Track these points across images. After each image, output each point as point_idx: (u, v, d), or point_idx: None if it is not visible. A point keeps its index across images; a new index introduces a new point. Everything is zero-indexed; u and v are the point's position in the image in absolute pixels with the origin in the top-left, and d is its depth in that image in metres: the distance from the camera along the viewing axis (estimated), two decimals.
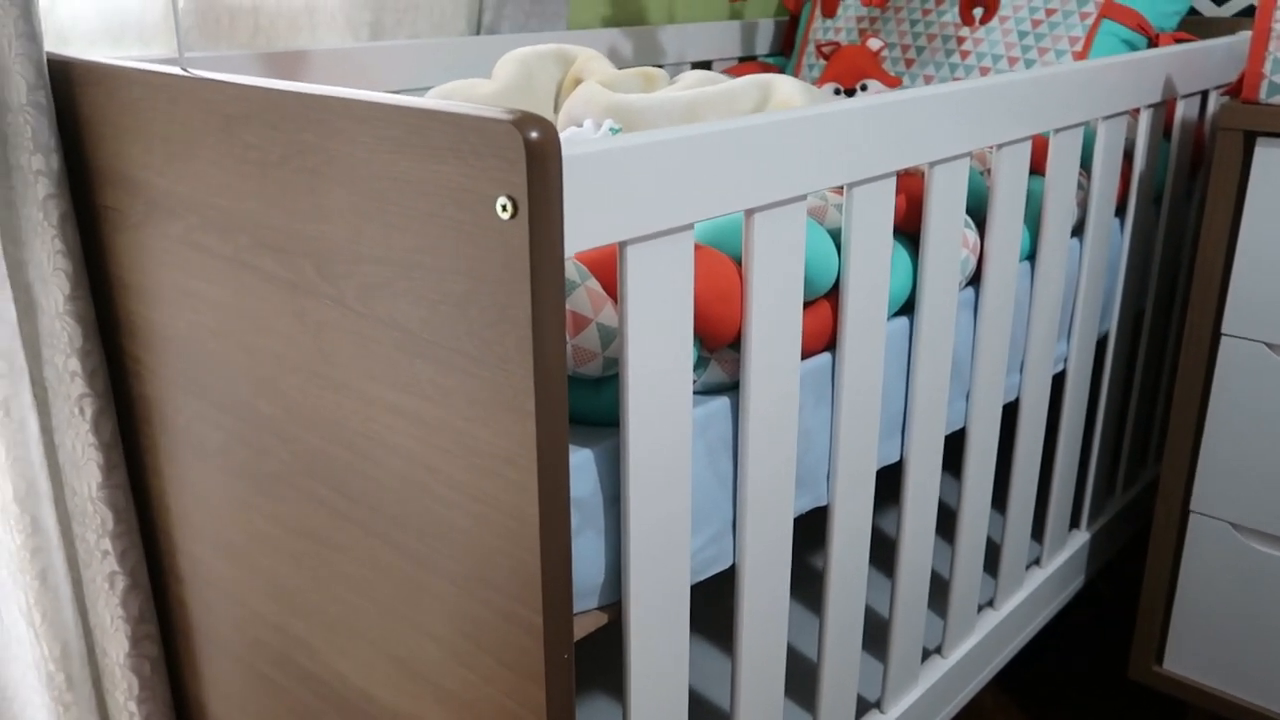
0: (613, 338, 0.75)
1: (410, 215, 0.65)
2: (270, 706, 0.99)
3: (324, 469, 0.80)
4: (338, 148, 0.69)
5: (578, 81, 1.21)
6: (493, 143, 0.59)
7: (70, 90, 0.92)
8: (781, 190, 0.77)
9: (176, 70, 0.82)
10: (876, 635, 1.27)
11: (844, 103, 0.81)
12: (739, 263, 0.82)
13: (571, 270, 0.75)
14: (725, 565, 0.84)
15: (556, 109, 1.25)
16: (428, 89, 1.35)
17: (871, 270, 0.90)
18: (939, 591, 1.36)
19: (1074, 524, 1.48)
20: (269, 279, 0.79)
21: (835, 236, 0.91)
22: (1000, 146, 1.02)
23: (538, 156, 0.57)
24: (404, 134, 0.64)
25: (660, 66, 1.67)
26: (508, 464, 0.65)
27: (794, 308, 0.82)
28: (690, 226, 0.71)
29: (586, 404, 0.78)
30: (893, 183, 0.89)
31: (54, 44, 1.08)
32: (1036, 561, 1.39)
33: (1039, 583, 1.36)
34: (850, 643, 1.03)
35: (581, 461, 0.73)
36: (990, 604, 1.31)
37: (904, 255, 0.98)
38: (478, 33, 1.47)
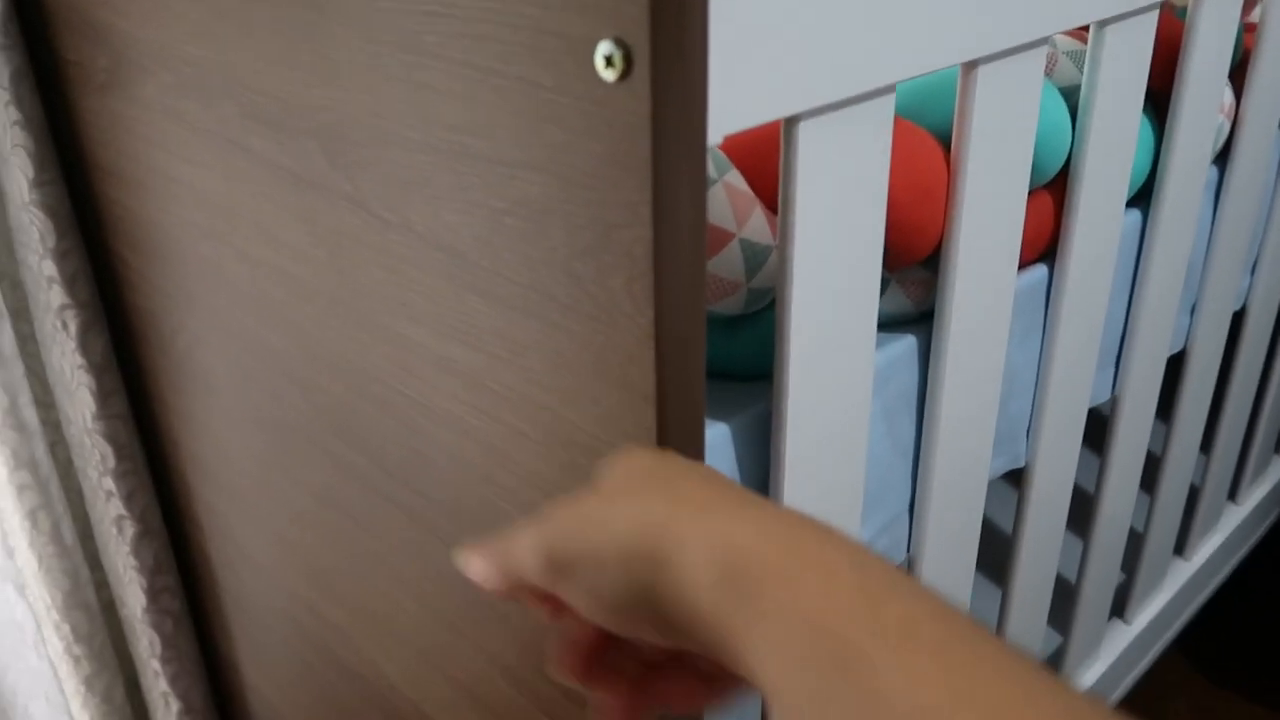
0: (763, 260, 0.50)
1: (456, 74, 0.41)
2: (313, 691, 0.80)
3: (354, 430, 0.58)
4: None
5: None
6: None
7: None
8: (1016, 32, 0.51)
9: None
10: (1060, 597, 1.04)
11: None
12: (944, 141, 0.56)
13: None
14: (898, 560, 0.62)
15: None
16: None
17: (1117, 143, 0.64)
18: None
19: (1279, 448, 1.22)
20: (266, 165, 0.55)
21: (1067, 97, 0.64)
22: None
23: None
24: None
25: None
26: None
27: (1018, 199, 0.57)
28: (891, 89, 0.46)
29: (716, 352, 0.54)
30: (1155, 17, 0.62)
31: None
32: (1231, 497, 1.14)
33: (1236, 523, 1.11)
34: (1036, 618, 0.81)
35: (716, 442, 0.49)
36: (1180, 552, 1.07)
37: (1144, 125, 0.71)
38: None
